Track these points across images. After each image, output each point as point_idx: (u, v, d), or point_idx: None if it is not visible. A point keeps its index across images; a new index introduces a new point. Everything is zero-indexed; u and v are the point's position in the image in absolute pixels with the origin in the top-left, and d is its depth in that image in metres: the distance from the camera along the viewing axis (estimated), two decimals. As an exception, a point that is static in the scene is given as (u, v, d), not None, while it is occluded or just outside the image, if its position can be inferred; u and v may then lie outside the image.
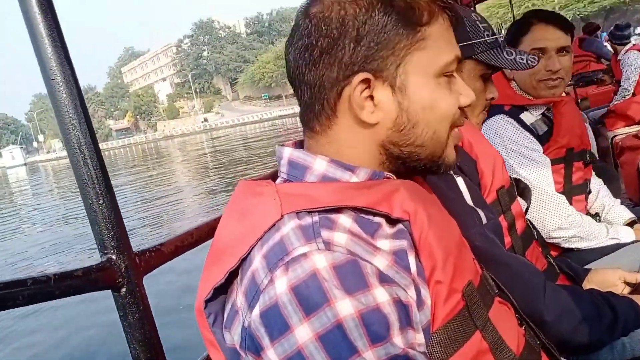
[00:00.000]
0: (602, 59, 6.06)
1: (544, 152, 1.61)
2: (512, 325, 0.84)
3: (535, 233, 1.34)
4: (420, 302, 0.65)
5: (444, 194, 0.97)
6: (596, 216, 1.75)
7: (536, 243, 1.32)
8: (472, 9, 6.02)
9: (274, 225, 0.63)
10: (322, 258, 0.59)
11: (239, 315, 0.62)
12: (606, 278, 1.30)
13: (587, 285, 1.30)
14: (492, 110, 1.48)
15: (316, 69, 0.69)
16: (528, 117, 1.64)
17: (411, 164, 0.74)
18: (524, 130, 1.59)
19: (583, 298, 1.06)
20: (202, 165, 25.30)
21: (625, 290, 1.26)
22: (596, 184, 1.85)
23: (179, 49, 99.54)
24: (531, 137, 1.60)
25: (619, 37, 4.59)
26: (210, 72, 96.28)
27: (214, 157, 28.90)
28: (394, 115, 0.70)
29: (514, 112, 1.62)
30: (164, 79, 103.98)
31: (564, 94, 1.72)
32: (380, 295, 0.58)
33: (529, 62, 1.26)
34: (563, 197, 1.58)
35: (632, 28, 5.03)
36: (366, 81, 0.68)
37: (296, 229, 0.62)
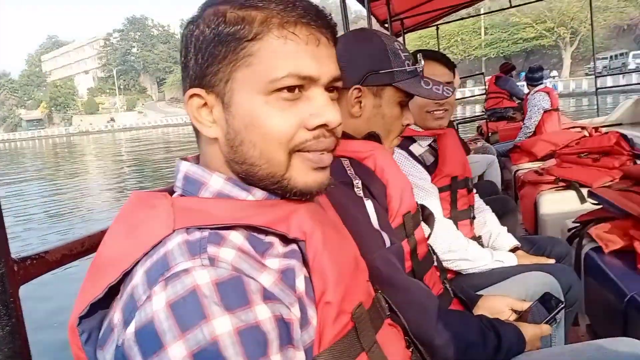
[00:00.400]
0: (514, 97, 6.52)
1: (432, 181, 1.73)
2: (400, 348, 0.87)
3: (434, 258, 1.40)
4: (305, 322, 0.65)
5: (351, 215, 0.99)
6: (479, 238, 1.88)
7: (435, 268, 1.37)
8: (401, 37, 6.28)
9: (162, 240, 0.62)
10: (204, 274, 0.58)
11: (114, 334, 0.60)
12: (495, 304, 1.37)
13: (477, 310, 1.36)
14: None
15: (183, 86, 0.72)
16: (417, 148, 1.76)
17: (255, 184, 0.72)
18: (414, 161, 1.70)
19: (472, 324, 1.12)
20: (114, 165, 24.11)
21: (512, 317, 1.33)
22: (485, 212, 2.00)
23: (107, 42, 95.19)
24: (421, 167, 1.71)
25: (532, 79, 4.93)
26: (137, 70, 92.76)
27: (128, 157, 27.68)
28: (225, 132, 0.70)
29: (404, 144, 1.72)
30: (86, 72, 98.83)
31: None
32: (262, 313, 0.58)
33: (444, 92, 1.31)
34: (451, 222, 1.70)
35: (545, 71, 5.43)
36: (199, 96, 0.69)
37: (182, 244, 0.61)
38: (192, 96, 0.70)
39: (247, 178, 0.71)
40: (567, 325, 1.65)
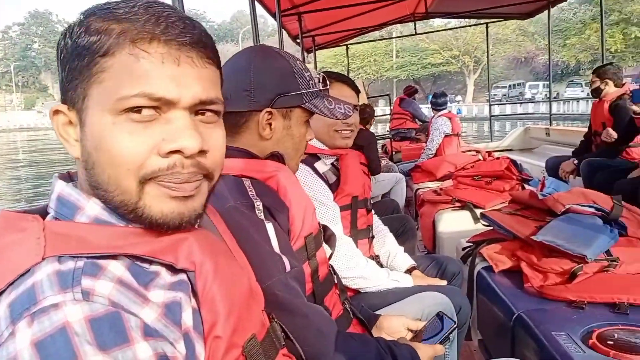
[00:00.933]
0: (417, 119, 6.84)
1: (333, 199, 1.74)
2: None
3: (335, 278, 1.40)
4: (192, 357, 0.61)
5: (251, 238, 0.96)
6: (377, 258, 1.93)
7: (335, 288, 1.37)
8: (312, 54, 6.37)
9: (30, 269, 0.55)
10: (76, 310, 0.52)
11: None
12: (392, 324, 1.40)
13: (376, 330, 1.39)
14: None
15: None
16: (321, 166, 1.77)
17: (115, 212, 0.64)
18: (318, 178, 1.71)
19: (369, 347, 1.12)
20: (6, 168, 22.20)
21: (408, 336, 1.37)
22: (384, 232, 2.07)
23: (5, 35, 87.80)
24: (324, 184, 1.72)
25: (435, 104, 5.20)
26: (38, 67, 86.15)
27: (23, 158, 25.64)
28: (82, 152, 0.64)
29: (309, 161, 1.73)
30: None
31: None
32: (142, 351, 0.53)
33: (346, 112, 1.34)
34: (351, 240, 1.73)
35: (450, 95, 5.78)
36: (63, 113, 0.64)
37: (52, 275, 0.54)
38: (55, 112, 0.64)
39: (107, 206, 0.64)
40: (459, 344, 1.71)
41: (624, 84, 3.87)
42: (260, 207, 1.06)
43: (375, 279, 1.68)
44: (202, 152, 0.64)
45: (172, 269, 0.64)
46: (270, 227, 1.06)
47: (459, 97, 41.67)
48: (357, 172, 1.87)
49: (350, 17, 5.78)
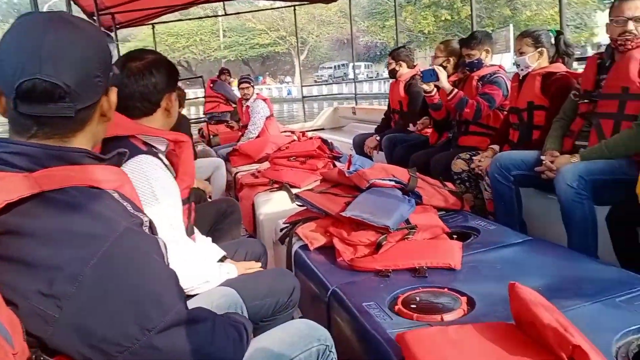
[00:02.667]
0: (230, 102, 6.76)
1: None
2: None
3: None
4: None
5: (152, 261, 0.84)
6: None
7: None
8: (114, 33, 5.83)
9: None
10: None
11: None
12: None
13: None
14: (132, 149, 1.36)
15: None
16: (162, 157, 1.53)
17: None
18: (167, 171, 1.50)
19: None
20: None
21: None
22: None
23: None
24: (172, 178, 1.51)
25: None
26: None
27: None
28: None
29: (152, 151, 1.49)
30: None
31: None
32: None
33: None
34: (191, 246, 1.57)
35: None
36: None
37: None
38: None
39: None
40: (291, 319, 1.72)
41: (415, 65, 4.28)
42: (147, 223, 0.88)
43: (215, 278, 1.55)
44: None
45: None
46: (161, 242, 0.90)
47: (288, 78, 42.26)
48: (192, 160, 1.66)
49: (154, -7, 5.43)
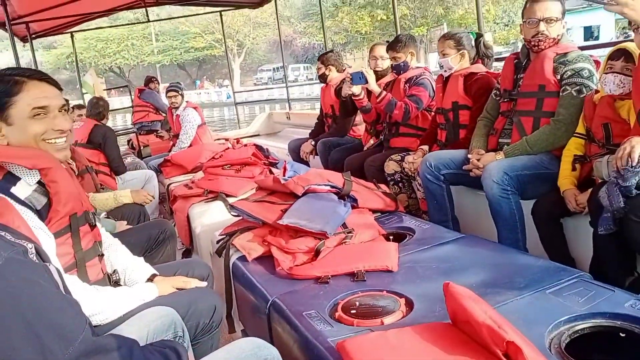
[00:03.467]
0: (160, 111, 6.57)
1: (47, 226, 1.41)
2: None
3: None
4: None
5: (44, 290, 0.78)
6: (114, 273, 1.69)
7: None
8: (29, 43, 5.51)
9: None
10: None
11: None
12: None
13: None
14: None
15: None
16: (24, 189, 1.39)
17: None
18: (24, 208, 1.35)
19: None
20: None
21: None
22: (116, 245, 1.82)
23: None
24: (32, 214, 1.37)
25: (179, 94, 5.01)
26: None
27: None
28: None
29: (4, 186, 1.36)
30: None
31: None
32: None
33: None
34: (77, 282, 1.44)
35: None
36: None
37: None
38: None
39: None
40: (219, 339, 1.67)
41: (344, 69, 4.32)
42: (33, 250, 0.81)
43: (113, 306, 1.46)
44: None
45: None
46: (53, 269, 0.83)
47: (226, 82, 41.16)
48: (69, 185, 1.49)
49: (71, 1, 5.16)
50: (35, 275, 0.76)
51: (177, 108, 5.00)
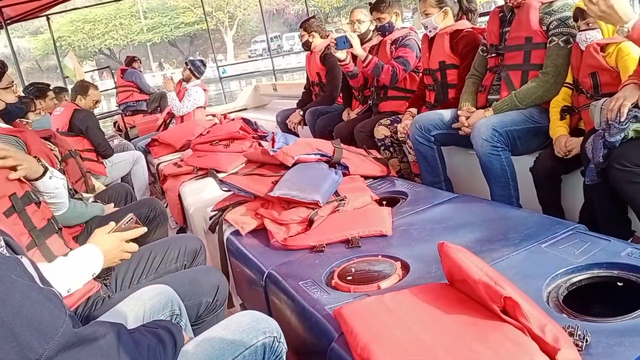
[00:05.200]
0: (144, 90, 6.44)
1: None
2: None
3: None
4: None
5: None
6: None
7: None
8: (4, 29, 5.32)
9: None
10: None
11: None
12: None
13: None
14: None
15: None
16: None
17: None
18: None
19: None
20: None
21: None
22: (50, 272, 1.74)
23: None
24: None
25: (199, 71, 4.84)
26: None
27: None
28: None
29: None
30: None
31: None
32: None
33: None
34: None
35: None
36: None
37: None
38: None
39: None
40: (221, 317, 1.66)
41: (328, 35, 4.23)
42: (2, 242, 0.78)
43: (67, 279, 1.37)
44: None
45: None
46: (26, 261, 0.80)
47: (220, 56, 39.88)
48: None
49: (43, -17, 5.01)
50: (4, 270, 0.73)
51: (188, 81, 4.84)
